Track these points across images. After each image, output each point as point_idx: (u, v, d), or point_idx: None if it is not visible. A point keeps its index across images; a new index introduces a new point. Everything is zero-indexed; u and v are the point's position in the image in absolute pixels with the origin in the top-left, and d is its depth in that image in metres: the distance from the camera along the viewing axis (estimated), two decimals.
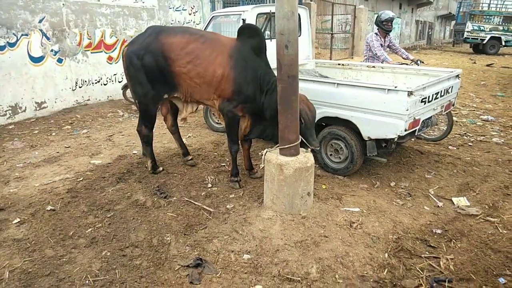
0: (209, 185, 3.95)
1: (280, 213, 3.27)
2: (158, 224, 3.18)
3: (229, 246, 2.89)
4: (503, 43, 20.33)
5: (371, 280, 2.56)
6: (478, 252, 2.83)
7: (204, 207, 3.46)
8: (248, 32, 3.64)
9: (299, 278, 2.54)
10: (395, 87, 3.49)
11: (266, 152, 3.36)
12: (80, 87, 7.49)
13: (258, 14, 4.97)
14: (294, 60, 2.99)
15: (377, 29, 5.62)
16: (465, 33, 21.26)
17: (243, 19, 4.84)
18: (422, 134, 5.28)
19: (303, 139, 3.35)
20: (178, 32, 3.78)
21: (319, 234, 3.02)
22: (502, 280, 2.51)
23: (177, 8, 9.61)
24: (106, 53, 7.91)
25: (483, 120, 6.57)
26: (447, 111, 4.41)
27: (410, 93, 3.41)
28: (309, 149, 3.47)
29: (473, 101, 8.14)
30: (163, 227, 3.15)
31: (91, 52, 7.62)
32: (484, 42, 20.56)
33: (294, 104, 3.12)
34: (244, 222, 3.21)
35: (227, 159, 4.67)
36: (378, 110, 3.61)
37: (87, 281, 2.45)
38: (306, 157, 3.25)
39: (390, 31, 5.63)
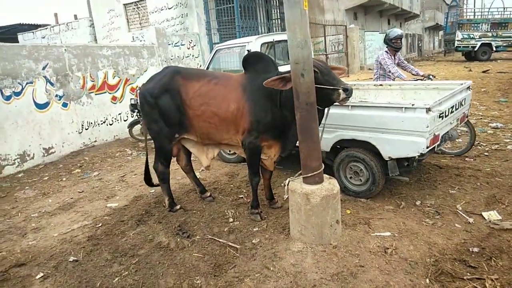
0: (231, 220, 3.85)
1: (310, 244, 3.16)
2: (185, 267, 3.07)
3: (262, 285, 2.77)
4: (494, 49, 20.65)
5: None
6: None
7: (230, 243, 3.36)
8: (253, 59, 3.63)
9: None
10: (412, 104, 3.46)
11: (289, 181, 3.29)
12: (86, 129, 7.49)
13: (262, 43, 5.03)
14: (310, 88, 2.97)
15: (387, 47, 5.67)
16: (456, 42, 21.62)
17: (248, 50, 4.88)
18: (445, 150, 5.24)
19: (326, 88, 3.06)
20: (193, 74, 3.82)
21: (354, 264, 2.91)
22: None
23: (175, 43, 9.78)
24: (110, 93, 7.98)
25: (493, 128, 6.54)
26: (462, 123, 4.38)
27: (428, 110, 3.38)
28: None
29: (478, 109, 8.14)
30: (191, 269, 3.03)
31: (95, 94, 7.68)
32: (476, 49, 20.89)
33: (315, 131, 3.08)
34: (274, 257, 3.09)
35: (244, 190, 4.59)
36: (397, 129, 3.56)
37: None
38: (331, 184, 3.17)
39: (400, 48, 5.70)
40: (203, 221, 3.88)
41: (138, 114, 7.46)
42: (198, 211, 4.12)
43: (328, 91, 3.08)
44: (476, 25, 21.55)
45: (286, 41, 5.48)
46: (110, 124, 8.03)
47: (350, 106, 3.89)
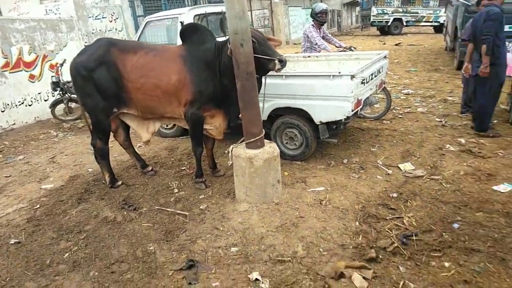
0: (176, 190, 3.95)
1: (255, 204, 3.42)
2: (136, 237, 3.14)
3: (214, 243, 2.98)
4: (404, 24, 22.56)
5: (351, 247, 2.83)
6: (431, 206, 3.26)
7: (178, 212, 3.48)
8: (190, 31, 3.64)
9: (289, 258, 2.72)
10: (339, 72, 3.82)
11: (233, 148, 3.48)
12: (2, 112, 6.86)
13: (195, 15, 5.03)
14: (250, 58, 3.14)
15: (313, 21, 5.99)
16: (371, 17, 23.15)
17: (181, 22, 4.85)
18: (365, 114, 5.80)
19: (263, 58, 3.26)
20: (130, 46, 3.76)
21: (295, 216, 3.23)
22: (456, 225, 2.95)
23: (96, 16, 9.19)
24: (27, 71, 7.33)
25: (405, 94, 7.36)
26: (380, 89, 4.91)
27: (352, 77, 3.77)
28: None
29: (392, 78, 9.02)
30: (142, 238, 3.12)
31: (10, 72, 7.01)
32: (389, 24, 22.62)
33: (255, 99, 3.28)
34: (222, 219, 3.30)
35: (186, 163, 4.68)
36: (327, 96, 3.91)
37: None
38: (272, 147, 3.43)
39: (325, 22, 6.04)
40: (148, 194, 3.93)
41: (60, 92, 7.02)
42: (141, 185, 4.14)
43: (265, 60, 3.28)
44: (389, 1, 23.21)
45: (218, 13, 5.55)
46: (30, 105, 7.42)
47: (284, 76, 4.14)
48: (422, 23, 22.20)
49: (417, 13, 21.98)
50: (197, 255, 2.85)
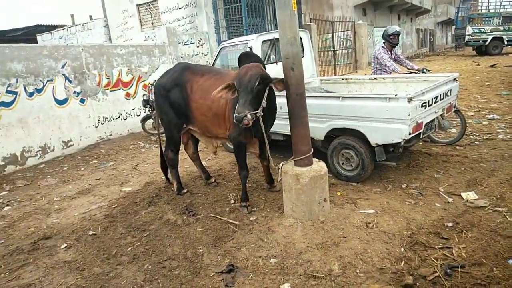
0: (232, 201, 4.25)
1: (300, 220, 3.54)
2: (190, 239, 3.49)
3: (256, 253, 3.17)
4: (506, 43, 20.51)
5: (390, 272, 2.79)
6: (488, 239, 3.04)
7: (230, 221, 3.76)
8: (243, 57, 3.71)
9: (323, 275, 2.79)
10: (395, 95, 3.80)
11: (282, 165, 3.67)
12: (102, 124, 8.00)
13: (263, 41, 5.40)
14: (300, 80, 3.35)
15: (384, 42, 5.98)
16: (466, 36, 21.53)
17: (249, 47, 5.26)
18: (436, 139, 5.54)
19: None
20: (200, 69, 4.19)
21: (338, 236, 3.28)
22: (511, 261, 2.72)
23: (185, 42, 10.22)
24: (124, 90, 8.47)
25: (489, 119, 6.77)
26: (449, 113, 4.68)
27: (410, 99, 3.71)
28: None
29: (478, 102, 8.34)
30: (195, 241, 3.45)
31: (110, 91, 8.17)
32: (487, 43, 20.78)
33: (305, 119, 3.45)
34: (268, 231, 3.48)
35: None
36: (383, 118, 3.90)
37: None
38: (319, 166, 3.54)
39: (397, 44, 5.99)
40: (207, 202, 4.29)
41: (150, 109, 7.95)
42: (203, 194, 4.54)
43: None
44: (487, 19, 21.41)
45: None
46: (124, 119, 8.52)
47: (341, 98, 4.24)
48: None
49: None
50: (239, 262, 3.06)
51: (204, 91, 3.94)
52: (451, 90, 4.55)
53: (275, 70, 5.51)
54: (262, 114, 3.30)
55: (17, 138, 6.50)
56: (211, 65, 6.07)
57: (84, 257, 3.30)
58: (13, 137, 6.44)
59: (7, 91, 6.37)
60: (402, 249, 3.05)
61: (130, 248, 3.38)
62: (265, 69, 3.74)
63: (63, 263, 3.23)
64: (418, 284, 2.61)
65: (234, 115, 3.14)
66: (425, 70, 5.71)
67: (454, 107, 4.81)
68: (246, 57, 3.68)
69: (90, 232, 3.74)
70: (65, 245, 3.55)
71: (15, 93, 6.49)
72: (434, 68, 15.47)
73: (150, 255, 3.25)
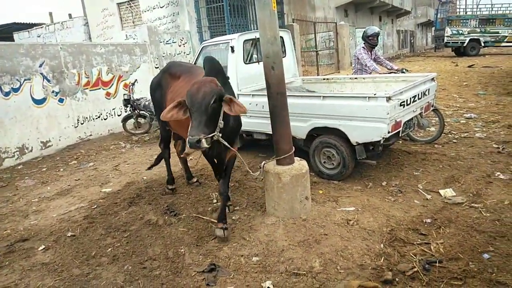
0: (214, 201, 4.23)
1: (282, 218, 3.56)
2: (171, 239, 3.45)
3: (238, 252, 3.16)
4: (482, 44, 21.12)
5: (370, 268, 2.83)
6: (464, 234, 3.12)
7: (212, 220, 3.74)
8: (206, 63, 3.30)
9: (304, 272, 2.81)
10: (374, 94, 3.86)
11: (264, 164, 3.68)
12: (82, 124, 7.84)
13: (245, 40, 5.39)
14: (280, 79, 3.36)
15: (364, 43, 6.06)
16: (445, 38, 22.07)
17: (231, 47, 5.25)
18: (416, 137, 5.65)
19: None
20: (180, 71, 4.08)
21: (319, 233, 3.30)
22: (486, 255, 2.80)
23: (167, 41, 10.12)
24: (104, 89, 8.32)
25: (467, 118, 6.95)
26: (427, 112, 4.78)
27: (388, 99, 3.78)
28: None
29: (456, 102, 8.55)
30: (176, 241, 3.42)
31: (90, 90, 8.02)
32: (465, 44, 21.34)
33: (286, 118, 3.47)
34: (250, 230, 3.48)
35: None
36: (362, 117, 3.96)
37: None
38: (301, 165, 3.57)
39: (376, 45, 6.07)
40: (189, 202, 4.26)
41: (131, 109, 7.84)
42: (185, 194, 4.50)
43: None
44: (465, 21, 21.99)
45: None
46: (105, 119, 8.38)
47: (322, 97, 4.28)
48: (504, 44, 20.58)
49: (497, 32, 20.52)
50: (221, 261, 3.06)
51: (174, 94, 3.80)
52: (429, 89, 4.65)
53: (256, 69, 5.54)
54: (220, 135, 2.90)
55: None
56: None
57: (62, 258, 3.23)
58: None
59: None
60: (382, 245, 3.10)
61: (110, 249, 3.33)
62: (226, 79, 3.45)
63: (40, 265, 3.15)
64: (397, 279, 2.66)
65: (187, 138, 2.67)
66: (404, 70, 5.82)
67: (432, 106, 4.92)
68: (208, 63, 3.27)
69: (69, 234, 3.67)
70: (43, 247, 3.47)
71: None
72: (414, 68, 15.78)
73: (131, 255, 3.21)
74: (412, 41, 36.04)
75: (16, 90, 6.69)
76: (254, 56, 5.77)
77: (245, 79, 5.40)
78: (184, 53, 10.79)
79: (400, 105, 3.97)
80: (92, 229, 3.74)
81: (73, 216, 4.11)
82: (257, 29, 3.53)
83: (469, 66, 15.08)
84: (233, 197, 4.22)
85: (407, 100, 4.09)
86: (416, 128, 4.92)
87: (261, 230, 3.44)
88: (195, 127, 2.71)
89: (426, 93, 4.58)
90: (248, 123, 5.27)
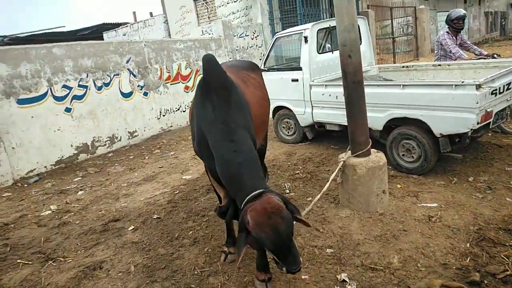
0: (287, 191, 4.28)
1: (357, 211, 3.49)
2: None
3: (312, 242, 3.18)
4: None
5: (454, 267, 2.66)
6: None
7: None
8: (204, 64, 2.56)
9: (382, 267, 2.73)
10: (462, 82, 3.57)
11: (341, 156, 3.62)
12: (163, 116, 8.42)
13: (319, 30, 5.31)
14: (358, 68, 3.27)
15: (448, 27, 5.62)
16: None
17: (305, 37, 5.21)
18: (507, 129, 5.13)
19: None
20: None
21: (397, 229, 3.18)
22: None
23: (240, 35, 10.36)
24: (183, 83, 8.82)
25: None
26: None
27: (478, 86, 3.47)
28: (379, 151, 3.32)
29: None
30: None
31: (171, 84, 8.56)
32: None
33: (363, 108, 3.37)
34: (324, 221, 3.47)
35: (300, 167, 4.98)
36: (448, 106, 3.69)
37: (195, 272, 2.91)
38: (378, 157, 3.45)
39: (462, 29, 5.59)
40: None
41: None
42: None
43: None
44: None
45: None
46: (183, 111, 8.88)
47: (401, 86, 4.07)
48: None
49: None
50: None
51: None
52: None
53: (329, 59, 5.44)
54: None
55: (88, 128, 7.06)
56: (265, 56, 6.10)
57: (149, 238, 3.54)
58: (84, 128, 7.00)
59: (79, 85, 6.92)
60: (468, 244, 2.89)
61: (191, 232, 3.56)
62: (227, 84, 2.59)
63: (131, 243, 3.49)
64: (485, 281, 2.47)
65: (290, 269, 2.06)
66: (495, 56, 5.28)
67: None
68: (204, 63, 2.56)
69: (155, 216, 4.00)
70: (133, 227, 3.83)
71: (86, 87, 7.04)
72: (506, 54, 14.16)
73: (210, 239, 3.40)
74: (503, 23, 32.26)
75: (107, 84, 7.38)
76: (327, 45, 5.67)
77: (318, 69, 5.35)
78: (256, 45, 10.95)
79: (492, 93, 3.62)
80: (175, 213, 4.03)
81: (158, 200, 4.46)
82: (328, 18, 3.46)
83: None
84: (306, 188, 4.23)
85: (499, 88, 3.71)
86: (508, 119, 4.45)
87: (335, 222, 3.41)
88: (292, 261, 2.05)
89: None
90: (320, 114, 5.23)
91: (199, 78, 9.02)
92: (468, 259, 2.72)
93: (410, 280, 2.59)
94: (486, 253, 2.76)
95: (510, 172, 4.00)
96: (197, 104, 2.59)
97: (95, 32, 18.06)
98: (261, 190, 2.15)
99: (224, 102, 2.44)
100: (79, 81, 6.93)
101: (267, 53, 5.98)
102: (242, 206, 2.14)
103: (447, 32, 5.61)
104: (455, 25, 5.52)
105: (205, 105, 2.48)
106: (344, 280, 2.64)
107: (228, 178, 2.32)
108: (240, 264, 2.44)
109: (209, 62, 2.55)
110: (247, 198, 2.13)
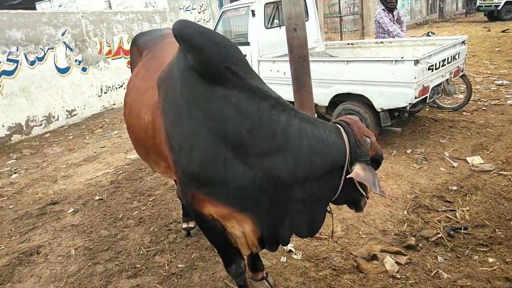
0: None
1: None
2: None
3: None
4: None
5: (392, 233, 2.82)
6: (492, 202, 3.04)
7: None
8: (193, 38, 1.62)
9: (326, 236, 2.83)
10: (402, 57, 3.70)
11: None
12: (105, 93, 7.95)
13: (266, 3, 5.23)
14: (303, 42, 3.26)
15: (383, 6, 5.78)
16: (478, 1, 20.75)
17: (252, 10, 5.10)
18: (442, 104, 5.45)
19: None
20: (145, 41, 2.64)
21: None
22: None
23: (186, 8, 9.97)
24: (125, 58, 8.35)
25: (498, 85, 6.62)
26: (456, 77, 4.57)
27: (416, 62, 3.62)
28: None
29: (487, 68, 8.14)
30: None
31: (112, 59, 8.06)
32: (499, 8, 20.03)
33: (308, 82, 3.39)
34: None
35: None
36: (388, 82, 3.82)
37: (141, 252, 2.82)
38: None
39: (394, 8, 5.76)
40: None
41: None
42: None
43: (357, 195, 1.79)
44: None
45: None
46: None
47: (346, 61, 4.15)
48: None
49: None
50: None
51: (129, 89, 2.40)
52: (459, 53, 4.42)
53: (278, 35, 5.40)
54: None
55: (20, 107, 6.49)
56: None
57: (91, 221, 3.36)
58: (16, 107, 6.43)
59: (8, 60, 6.30)
60: (405, 212, 3.07)
61: (136, 212, 3.44)
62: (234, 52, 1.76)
63: (70, 226, 3.30)
64: (420, 245, 2.64)
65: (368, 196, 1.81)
66: (430, 34, 5.55)
67: (462, 71, 4.69)
68: (181, 31, 1.68)
69: (97, 197, 3.80)
70: (72, 209, 3.62)
71: (16, 61, 6.42)
72: (442, 34, 15.02)
73: (156, 218, 3.30)
74: (442, 6, 34.18)
75: (40, 59, 6.79)
76: (276, 21, 5.61)
77: (266, 45, 5.29)
78: (204, 20, 10.62)
79: (429, 69, 3.81)
80: (119, 193, 3.86)
81: (100, 181, 4.24)
82: None
83: (503, 31, 14.22)
84: None
85: (436, 64, 3.91)
86: (442, 95, 4.73)
87: None
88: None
89: (456, 57, 4.37)
90: None
91: None
92: (405, 225, 2.89)
93: (352, 247, 2.71)
94: (421, 219, 2.96)
95: (444, 144, 4.28)
96: (194, 103, 1.63)
97: (26, 2, 16.46)
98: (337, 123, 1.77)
99: (254, 74, 1.72)
100: (8, 55, 6.30)
101: (214, 28, 5.79)
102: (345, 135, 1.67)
103: (382, 9, 5.77)
104: (388, 4, 5.68)
105: (219, 94, 1.59)
106: (290, 250, 2.70)
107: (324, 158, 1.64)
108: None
109: (196, 31, 1.63)
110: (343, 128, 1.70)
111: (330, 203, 1.87)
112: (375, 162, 1.78)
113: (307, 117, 1.69)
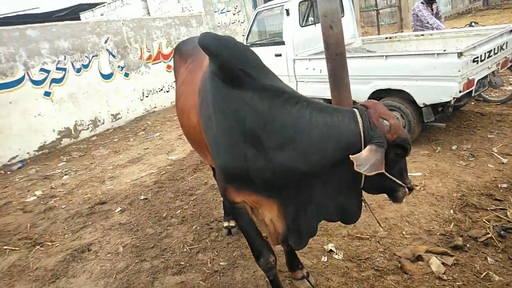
0: None
1: None
2: None
3: None
4: None
5: (438, 233, 2.72)
6: None
7: None
8: (211, 46, 1.80)
9: (367, 236, 2.78)
10: (444, 50, 3.56)
11: None
12: (146, 97, 8.27)
13: (300, 2, 5.20)
14: (339, 39, 3.22)
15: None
16: None
17: (286, 9, 5.10)
18: (488, 97, 5.19)
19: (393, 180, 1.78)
20: (187, 49, 2.81)
21: (382, 199, 3.22)
22: None
23: (221, 10, 10.12)
24: (165, 62, 8.64)
25: None
26: (505, 68, 4.33)
27: (460, 54, 3.47)
28: None
29: None
30: None
31: (152, 64, 8.36)
32: None
33: (346, 80, 3.35)
34: None
35: None
36: (430, 76, 3.69)
37: (184, 249, 2.92)
38: None
39: (434, 1, 5.55)
40: None
41: None
42: None
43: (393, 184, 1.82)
44: None
45: None
46: (167, 91, 8.74)
47: (385, 57, 4.05)
48: None
49: None
50: None
51: (181, 86, 2.60)
52: (507, 43, 4.18)
53: (313, 33, 5.36)
54: None
55: (69, 112, 6.90)
56: (247, 32, 5.97)
57: (137, 219, 3.53)
58: (65, 112, 6.84)
59: (57, 68, 6.71)
60: (452, 211, 2.96)
61: (179, 211, 3.56)
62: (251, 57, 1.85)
63: (118, 225, 3.48)
64: (468, 245, 2.54)
65: (411, 185, 1.87)
66: (473, 24, 5.28)
67: (510, 61, 4.43)
68: (210, 44, 1.82)
69: (142, 197, 3.98)
70: (120, 209, 3.81)
71: (64, 69, 6.83)
72: (488, 23, 14.21)
73: (198, 217, 3.41)
74: None
75: (86, 66, 7.17)
76: (310, 18, 5.57)
77: (302, 43, 5.27)
78: (239, 21, 10.74)
79: (473, 61, 3.63)
80: (162, 193, 4.01)
81: (145, 181, 4.43)
82: None
83: None
84: None
85: (481, 56, 3.72)
86: (488, 87, 4.50)
87: None
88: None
89: (504, 47, 4.13)
90: (305, 89, 5.18)
91: None
92: (452, 225, 2.78)
93: (396, 247, 2.65)
94: (469, 218, 2.83)
95: (492, 139, 4.07)
96: (218, 105, 1.80)
97: (72, 13, 17.40)
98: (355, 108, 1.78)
99: (268, 73, 1.83)
100: (57, 64, 6.72)
101: (249, 28, 5.85)
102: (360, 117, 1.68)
103: (421, 2, 5.56)
104: None
105: (236, 96, 1.73)
106: (331, 250, 2.69)
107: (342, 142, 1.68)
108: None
109: (213, 39, 1.82)
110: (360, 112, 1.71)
111: (364, 192, 1.88)
112: (399, 148, 1.71)
113: (319, 106, 1.76)
